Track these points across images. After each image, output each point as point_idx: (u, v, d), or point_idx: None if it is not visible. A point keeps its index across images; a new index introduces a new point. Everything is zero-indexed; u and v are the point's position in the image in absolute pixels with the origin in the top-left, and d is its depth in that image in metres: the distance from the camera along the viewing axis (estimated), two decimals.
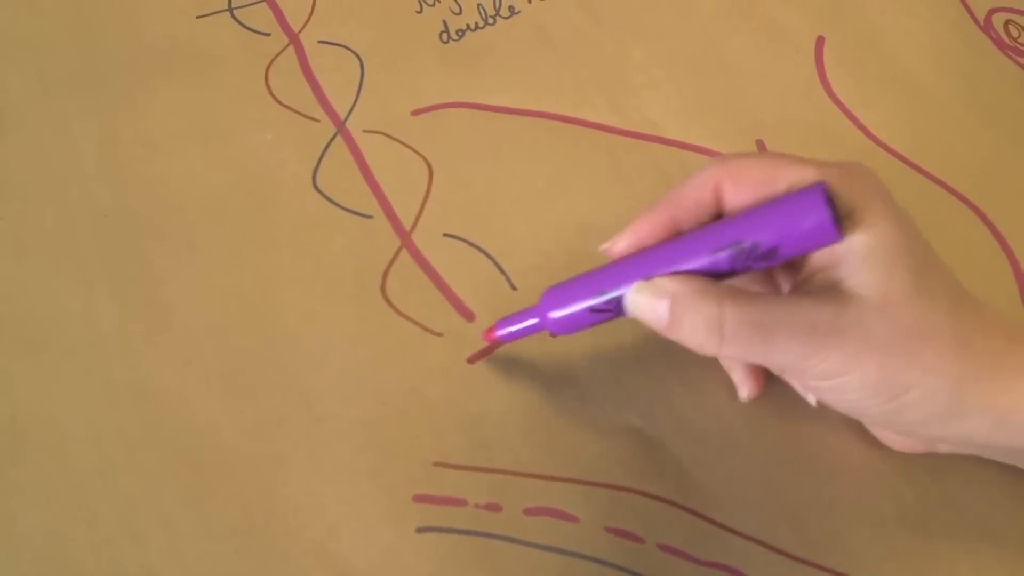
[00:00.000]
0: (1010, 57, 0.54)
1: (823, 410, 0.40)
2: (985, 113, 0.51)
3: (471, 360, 0.41)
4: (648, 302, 0.36)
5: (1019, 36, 0.55)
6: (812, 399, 0.39)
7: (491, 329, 0.41)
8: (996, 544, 0.39)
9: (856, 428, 0.41)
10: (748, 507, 0.39)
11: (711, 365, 0.43)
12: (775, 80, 0.51)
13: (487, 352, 0.41)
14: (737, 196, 0.36)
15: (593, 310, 0.37)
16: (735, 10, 0.53)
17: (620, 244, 0.38)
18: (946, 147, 0.50)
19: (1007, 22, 0.55)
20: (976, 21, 0.55)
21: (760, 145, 0.48)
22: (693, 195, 0.37)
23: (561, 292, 0.38)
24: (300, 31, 0.50)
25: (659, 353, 0.42)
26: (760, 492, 0.40)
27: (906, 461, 0.41)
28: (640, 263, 0.36)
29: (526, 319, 0.40)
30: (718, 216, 0.37)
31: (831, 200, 0.32)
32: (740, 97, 0.50)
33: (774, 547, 0.39)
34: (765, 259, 0.33)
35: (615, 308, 0.37)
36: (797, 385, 0.39)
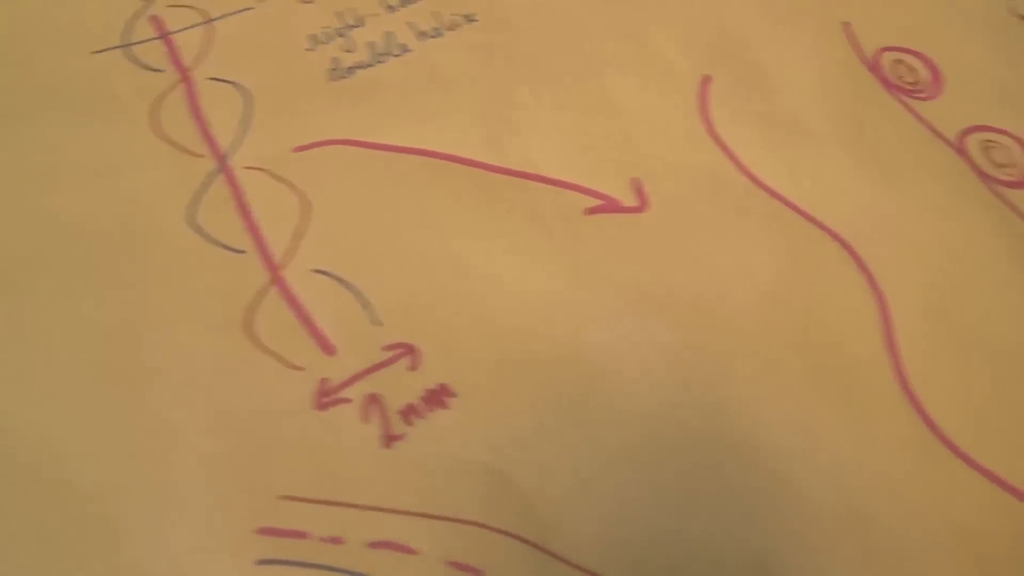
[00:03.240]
0: (896, 96, 0.55)
1: (675, 450, 0.43)
2: (867, 153, 0.53)
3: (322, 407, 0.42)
4: None
5: (907, 76, 0.56)
6: None
7: None
8: None
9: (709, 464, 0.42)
10: (594, 542, 0.40)
11: (565, 402, 0.45)
12: (658, 120, 0.52)
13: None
14: None
15: None
16: (623, 50, 0.54)
17: None
18: (824, 187, 0.51)
19: (896, 61, 0.56)
20: (865, 61, 0.56)
21: (636, 183, 0.49)
22: None
23: None
24: (192, 68, 0.51)
25: (511, 391, 0.42)
26: (607, 527, 0.41)
27: (754, 500, 0.43)
28: None
29: None
30: None
31: None
32: (621, 137, 0.51)
33: None
34: None
35: None
36: None
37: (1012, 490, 0.45)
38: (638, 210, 0.49)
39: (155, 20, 0.54)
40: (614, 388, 0.44)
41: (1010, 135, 0.56)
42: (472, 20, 0.55)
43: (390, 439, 0.42)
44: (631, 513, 0.41)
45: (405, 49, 0.54)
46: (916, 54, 0.58)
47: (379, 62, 0.53)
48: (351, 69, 0.52)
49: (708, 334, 0.46)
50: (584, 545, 0.40)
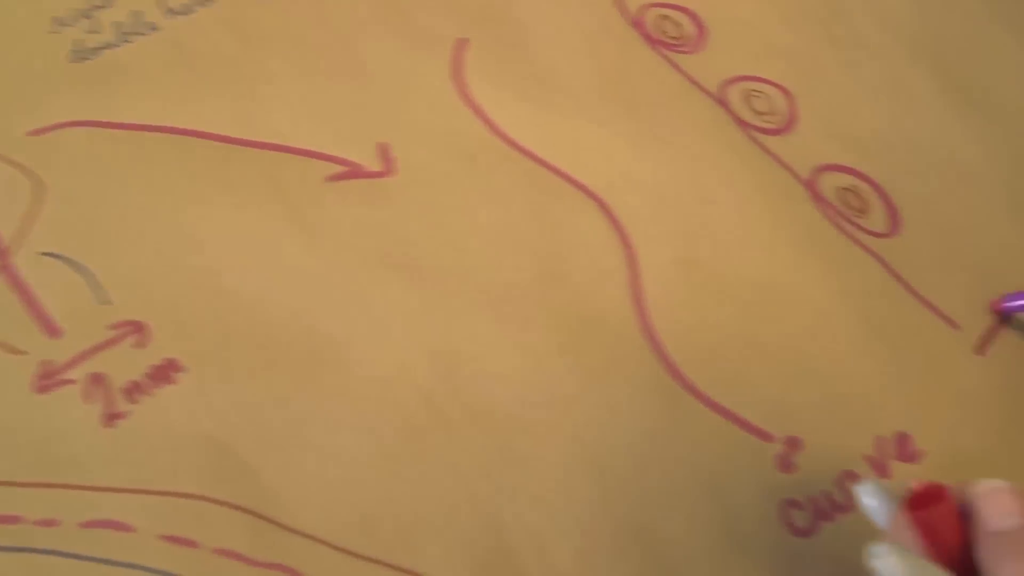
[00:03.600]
0: (659, 51, 0.55)
1: (408, 411, 0.45)
2: (624, 107, 0.53)
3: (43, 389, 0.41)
4: None
5: (671, 31, 0.56)
6: None
7: (998, 300, 0.50)
8: None
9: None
10: (320, 508, 0.40)
11: (297, 370, 0.45)
12: (410, 85, 0.51)
13: None
14: None
15: None
16: (378, 17, 0.54)
17: None
18: (580, 143, 0.51)
19: (661, 17, 0.56)
20: (628, 17, 0.56)
21: (382, 148, 0.48)
22: None
23: None
24: None
25: (242, 363, 0.42)
26: (334, 492, 0.40)
27: (489, 457, 0.44)
28: None
29: None
30: None
31: None
32: (371, 103, 0.50)
33: (340, 547, 0.39)
34: None
35: None
36: None
37: (755, 430, 0.44)
38: (383, 175, 0.48)
39: None
40: (348, 352, 0.44)
41: (774, 84, 0.56)
42: None
43: (112, 417, 0.41)
44: (359, 476, 0.41)
45: (153, 28, 0.53)
46: (682, 9, 0.58)
47: (125, 42, 0.52)
48: (96, 50, 0.52)
49: (448, 294, 0.46)
50: (309, 511, 0.40)
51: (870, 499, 0.36)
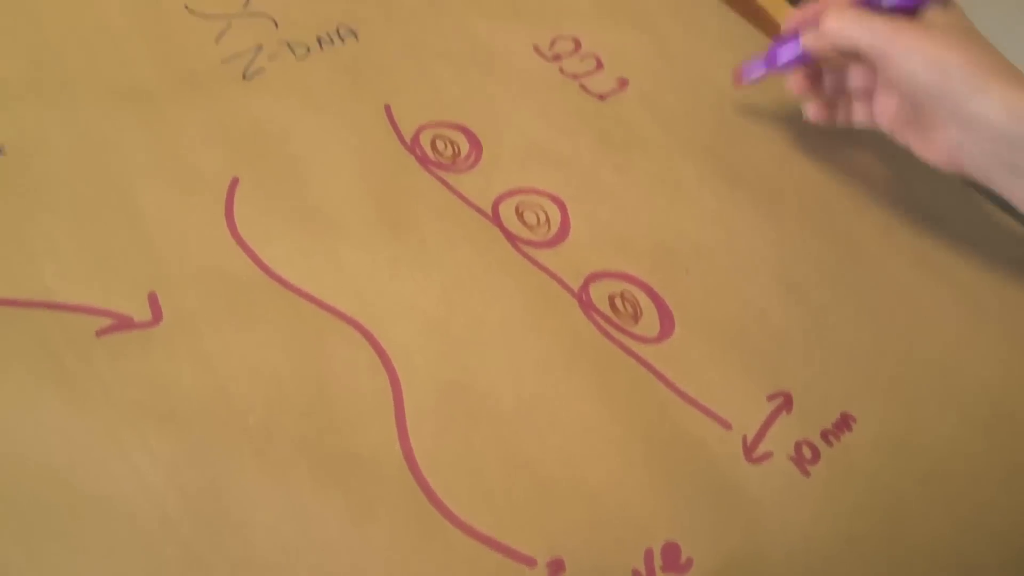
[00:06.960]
0: (431, 172, 0.57)
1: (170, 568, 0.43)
2: (392, 231, 0.55)
3: None
4: None
5: (445, 149, 0.57)
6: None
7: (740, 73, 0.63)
8: None
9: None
10: None
11: (54, 534, 0.45)
12: (181, 228, 0.52)
13: None
14: None
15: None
16: (152, 162, 0.55)
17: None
18: (345, 274, 0.53)
19: (434, 138, 0.58)
20: (403, 142, 0.58)
21: (152, 298, 0.49)
22: None
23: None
24: None
25: (3, 528, 0.43)
26: None
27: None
28: None
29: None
30: None
31: None
32: (142, 250, 0.51)
33: None
34: None
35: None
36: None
37: (518, 556, 0.46)
38: (151, 325, 0.49)
39: None
40: (108, 508, 0.44)
41: (546, 194, 0.58)
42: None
43: None
44: None
45: None
46: (456, 127, 0.60)
47: None
48: None
49: (210, 440, 0.46)
50: None
51: None
